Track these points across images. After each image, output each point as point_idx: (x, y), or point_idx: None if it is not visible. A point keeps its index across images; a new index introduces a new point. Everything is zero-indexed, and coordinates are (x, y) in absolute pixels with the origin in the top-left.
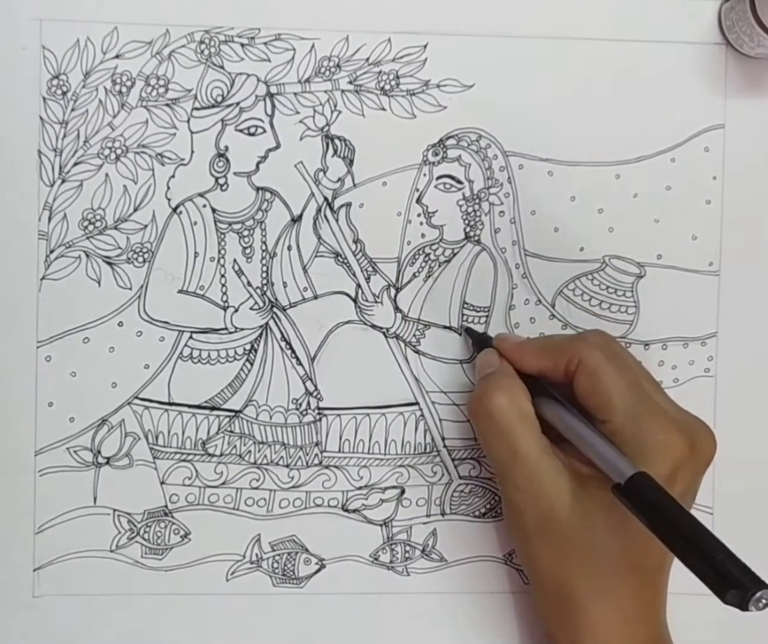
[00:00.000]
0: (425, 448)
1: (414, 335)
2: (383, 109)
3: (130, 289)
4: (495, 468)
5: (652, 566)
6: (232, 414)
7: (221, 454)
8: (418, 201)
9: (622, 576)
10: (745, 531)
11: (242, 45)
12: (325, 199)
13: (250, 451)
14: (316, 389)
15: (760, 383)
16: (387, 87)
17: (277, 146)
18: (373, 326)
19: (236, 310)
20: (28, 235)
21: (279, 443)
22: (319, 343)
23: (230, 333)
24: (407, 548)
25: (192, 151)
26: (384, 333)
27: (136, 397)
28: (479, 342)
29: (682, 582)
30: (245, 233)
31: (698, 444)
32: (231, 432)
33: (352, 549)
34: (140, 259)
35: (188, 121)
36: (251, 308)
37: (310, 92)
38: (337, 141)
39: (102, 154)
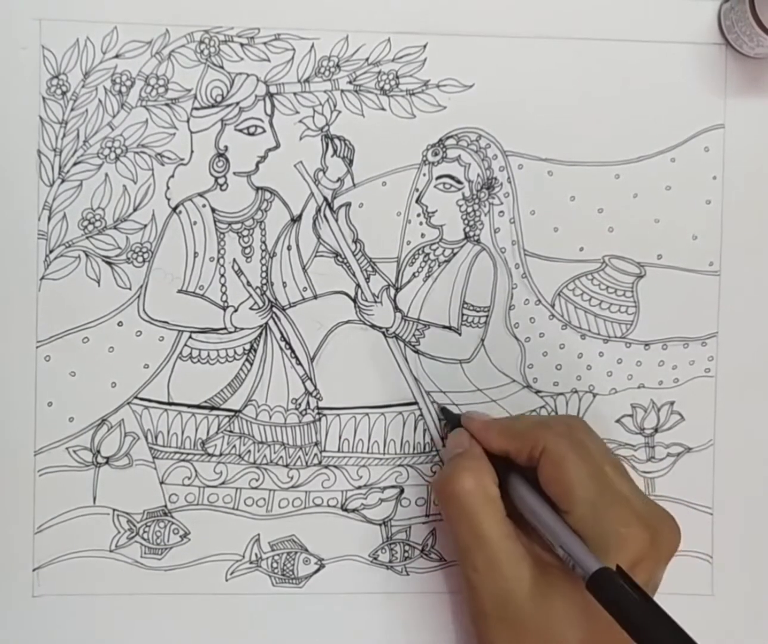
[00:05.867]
0: (424, 448)
1: (413, 335)
2: (383, 109)
3: (130, 288)
4: (457, 549)
5: None
6: (232, 414)
7: (221, 454)
8: (418, 201)
9: None
10: (744, 532)
11: (242, 45)
12: (325, 198)
13: (249, 451)
14: (315, 389)
15: (760, 383)
16: (387, 87)
17: (277, 146)
18: (373, 326)
19: (236, 310)
20: (27, 234)
21: (278, 443)
22: (319, 343)
23: (230, 333)
24: (406, 547)
25: (192, 151)
26: (384, 333)
27: (136, 397)
28: (452, 422)
29: (680, 583)
30: (245, 233)
31: (660, 538)
32: (230, 432)
33: (351, 549)
34: (140, 259)
35: (188, 121)
36: (251, 308)
37: (310, 92)
38: (336, 141)
39: (102, 154)
